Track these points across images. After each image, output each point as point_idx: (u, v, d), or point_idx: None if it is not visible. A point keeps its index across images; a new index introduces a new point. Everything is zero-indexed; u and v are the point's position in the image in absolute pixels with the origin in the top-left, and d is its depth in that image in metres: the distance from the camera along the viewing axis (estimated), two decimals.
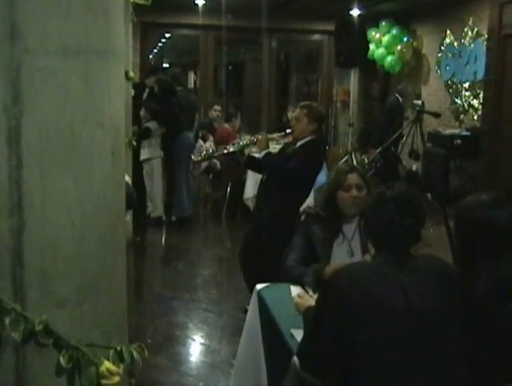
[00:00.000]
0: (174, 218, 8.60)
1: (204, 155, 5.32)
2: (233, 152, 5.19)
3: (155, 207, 8.47)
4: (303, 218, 3.65)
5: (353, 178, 3.50)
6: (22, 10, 1.68)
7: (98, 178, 1.81)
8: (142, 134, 8.14)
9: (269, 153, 4.97)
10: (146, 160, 8.34)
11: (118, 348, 1.78)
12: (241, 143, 5.21)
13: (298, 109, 4.98)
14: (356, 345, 2.16)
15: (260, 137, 5.11)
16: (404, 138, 8.76)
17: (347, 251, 3.43)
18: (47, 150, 1.72)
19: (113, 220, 1.89)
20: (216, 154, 5.42)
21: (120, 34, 1.90)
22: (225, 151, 5.24)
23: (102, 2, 1.80)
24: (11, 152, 1.70)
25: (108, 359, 1.75)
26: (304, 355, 2.42)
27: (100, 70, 1.74)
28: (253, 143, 5.11)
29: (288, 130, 5.06)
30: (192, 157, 5.45)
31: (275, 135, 5.29)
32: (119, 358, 1.79)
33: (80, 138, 1.73)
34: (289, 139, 5.36)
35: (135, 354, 1.82)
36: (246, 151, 5.50)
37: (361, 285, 2.25)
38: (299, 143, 4.89)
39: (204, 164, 9.26)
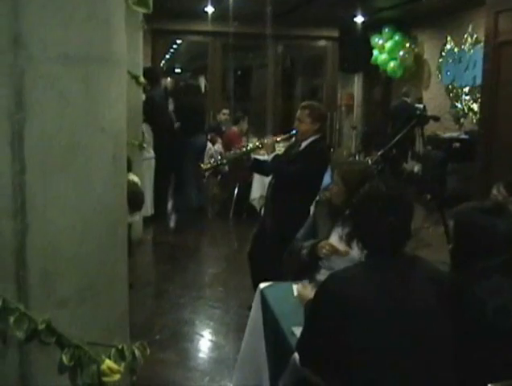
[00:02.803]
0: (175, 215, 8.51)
1: (213, 162, 5.21)
2: (243, 154, 5.09)
3: (145, 207, 8.31)
4: (317, 199, 3.76)
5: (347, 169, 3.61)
6: (25, 19, 1.67)
7: (99, 181, 1.79)
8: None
9: (276, 156, 4.93)
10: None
11: (120, 347, 1.77)
12: (248, 147, 5.14)
13: (299, 110, 4.88)
14: (349, 347, 2.14)
15: (266, 141, 5.04)
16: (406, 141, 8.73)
17: (339, 236, 3.37)
18: (49, 155, 1.71)
19: (113, 223, 1.87)
20: (224, 162, 5.26)
21: (122, 41, 1.89)
22: (232, 155, 5.15)
23: (103, 10, 1.79)
24: (15, 157, 1.69)
25: (109, 358, 1.74)
26: (303, 350, 2.40)
27: (100, 76, 1.73)
28: (260, 147, 5.06)
29: (293, 132, 4.99)
30: (201, 164, 5.30)
31: (280, 138, 5.23)
32: (120, 356, 1.78)
33: (80, 143, 1.72)
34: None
35: (137, 352, 1.80)
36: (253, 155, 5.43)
37: (354, 289, 2.19)
38: (303, 144, 4.81)
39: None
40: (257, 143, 5.07)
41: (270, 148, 4.96)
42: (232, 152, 5.30)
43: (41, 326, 1.70)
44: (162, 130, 8.40)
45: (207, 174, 9.06)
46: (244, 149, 5.07)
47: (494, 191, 4.11)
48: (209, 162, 5.25)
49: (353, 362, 2.13)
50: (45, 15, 1.68)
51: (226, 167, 9.19)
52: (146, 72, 8.82)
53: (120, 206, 1.99)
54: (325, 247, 3.35)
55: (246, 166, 5.22)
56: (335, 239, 3.41)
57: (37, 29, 1.68)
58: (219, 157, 5.43)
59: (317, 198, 4.08)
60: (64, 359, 1.70)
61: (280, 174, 4.82)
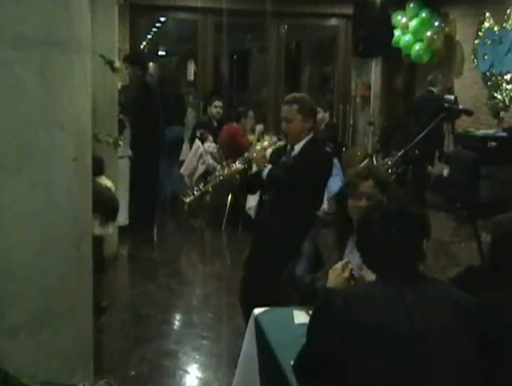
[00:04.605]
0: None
1: (197, 192, 5.03)
2: (231, 176, 4.99)
3: (120, 214, 8.28)
4: (314, 223, 3.73)
5: (366, 185, 3.49)
6: None
7: (59, 186, 1.80)
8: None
9: (271, 170, 4.72)
10: None
11: (81, 385, 1.77)
12: (234, 167, 5.00)
13: (285, 106, 4.76)
14: (354, 371, 2.17)
15: (255, 153, 4.85)
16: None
17: (356, 263, 3.40)
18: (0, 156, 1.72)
19: (77, 235, 1.88)
20: (210, 188, 5.09)
21: (85, 23, 1.89)
22: (219, 175, 5.02)
23: None
24: None
25: None
26: (300, 370, 2.45)
27: (60, 64, 1.73)
28: (249, 162, 4.93)
29: (259, 127, 4.92)
30: (182, 197, 5.12)
31: (268, 143, 5.07)
32: None
33: (36, 141, 1.72)
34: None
35: None
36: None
37: (357, 307, 2.25)
38: (297, 147, 4.73)
39: (202, 168, 9.25)
40: (245, 157, 4.93)
41: (262, 160, 4.77)
42: (217, 173, 5.13)
43: None
44: (151, 123, 8.48)
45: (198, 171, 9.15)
46: (231, 168, 4.97)
47: None
48: (192, 193, 5.05)
49: None
50: None
51: (218, 168, 9.23)
52: (132, 57, 8.93)
53: (84, 216, 2.00)
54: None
55: (236, 189, 5.14)
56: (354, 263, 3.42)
57: None
58: (201, 185, 5.17)
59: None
60: None
61: (284, 188, 4.70)
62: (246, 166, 4.96)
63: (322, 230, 3.71)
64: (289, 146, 4.82)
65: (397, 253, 2.33)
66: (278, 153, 4.92)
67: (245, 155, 4.93)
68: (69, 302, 1.92)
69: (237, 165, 4.95)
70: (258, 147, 4.96)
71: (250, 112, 9.68)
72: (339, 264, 3.22)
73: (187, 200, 4.93)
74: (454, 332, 2.26)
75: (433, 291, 2.35)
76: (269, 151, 4.97)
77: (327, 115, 10.17)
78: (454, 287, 2.46)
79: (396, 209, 2.38)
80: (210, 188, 4.99)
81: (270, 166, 4.73)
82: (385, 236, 2.31)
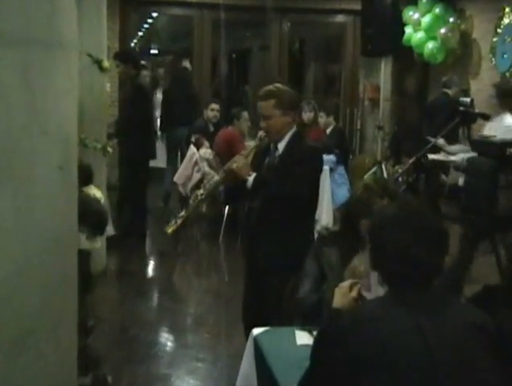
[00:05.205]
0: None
1: (178, 219, 4.93)
2: (212, 189, 4.90)
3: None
4: (315, 241, 3.70)
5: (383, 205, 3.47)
6: None
7: (42, 197, 1.79)
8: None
9: (257, 177, 4.58)
10: None
11: None
12: (214, 180, 4.91)
13: (261, 102, 4.65)
14: None
15: (237, 163, 4.66)
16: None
17: (362, 283, 3.40)
18: None
19: (62, 251, 1.87)
20: (190, 210, 4.98)
21: (70, 19, 1.89)
22: (200, 195, 4.95)
23: None
24: None
25: None
26: None
27: (43, 63, 1.72)
28: (231, 173, 4.80)
29: (261, 133, 4.78)
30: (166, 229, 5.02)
31: (248, 152, 4.94)
32: None
33: (18, 148, 1.72)
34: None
35: None
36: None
37: (365, 331, 2.23)
38: (280, 146, 4.61)
39: (197, 176, 9.25)
40: (226, 167, 4.83)
41: (245, 170, 4.61)
42: (198, 193, 5.02)
43: None
44: (142, 127, 8.52)
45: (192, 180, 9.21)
46: (211, 182, 4.89)
47: None
48: (175, 222, 4.91)
49: None
50: None
51: (215, 177, 9.23)
52: (124, 54, 8.94)
53: (69, 229, 1.99)
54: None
55: (222, 202, 5.06)
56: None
57: None
58: (182, 211, 5.05)
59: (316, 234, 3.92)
60: None
61: (277, 195, 4.63)
62: (225, 175, 4.72)
63: (325, 249, 3.68)
64: (272, 146, 4.71)
65: (422, 269, 2.32)
66: (260, 157, 4.81)
67: (225, 167, 4.79)
68: (52, 323, 1.91)
69: (216, 178, 4.85)
70: (238, 155, 4.80)
71: (245, 114, 9.57)
72: (346, 283, 3.20)
73: (170, 231, 4.79)
74: (476, 360, 2.24)
75: (451, 313, 2.34)
76: (250, 158, 4.84)
77: (331, 119, 10.16)
78: (474, 308, 2.45)
79: (425, 224, 2.35)
80: (191, 209, 4.83)
81: (254, 175, 4.59)
82: (411, 251, 2.29)
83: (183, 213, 4.82)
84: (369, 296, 3.21)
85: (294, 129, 4.67)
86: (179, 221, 4.74)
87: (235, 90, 16.59)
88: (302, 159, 4.56)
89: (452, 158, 8.74)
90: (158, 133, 11.29)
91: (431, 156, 10.10)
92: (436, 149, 8.79)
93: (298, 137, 4.69)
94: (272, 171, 4.61)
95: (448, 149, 9.39)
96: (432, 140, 7.84)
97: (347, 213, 3.72)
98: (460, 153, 8.24)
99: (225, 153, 8.89)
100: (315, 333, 3.25)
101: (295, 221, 4.54)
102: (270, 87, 4.71)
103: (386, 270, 2.40)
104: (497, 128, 7.22)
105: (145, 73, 11.85)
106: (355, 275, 3.38)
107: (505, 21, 10.52)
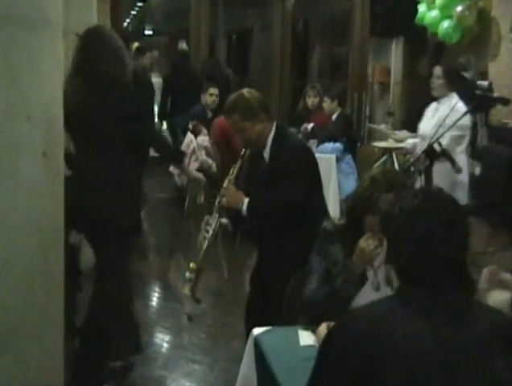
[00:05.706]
0: None
1: (191, 278, 4.88)
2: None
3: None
4: (320, 236, 3.70)
5: (389, 199, 3.46)
6: None
7: (25, 186, 1.78)
8: None
9: (250, 203, 4.60)
10: None
11: None
12: (215, 223, 4.88)
13: (226, 119, 4.71)
14: None
15: (226, 198, 4.65)
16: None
17: (371, 282, 3.40)
18: None
19: (44, 243, 1.86)
20: (202, 266, 4.95)
21: None
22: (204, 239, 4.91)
23: None
24: None
25: None
26: None
27: (26, 44, 1.71)
28: (223, 209, 4.79)
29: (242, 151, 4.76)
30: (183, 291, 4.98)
31: (233, 176, 4.88)
32: None
33: (0, 134, 1.72)
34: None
35: None
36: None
37: (380, 332, 2.22)
38: (265, 152, 4.62)
39: (195, 165, 9.25)
40: (217, 205, 4.83)
41: (236, 201, 4.64)
42: (201, 237, 4.98)
43: None
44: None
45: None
46: (213, 229, 4.86)
47: None
48: (189, 279, 4.85)
49: None
50: None
51: (214, 166, 9.25)
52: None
53: (54, 220, 1.99)
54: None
55: (232, 231, 5.08)
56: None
57: None
58: (193, 265, 4.98)
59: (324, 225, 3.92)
60: None
61: (278, 207, 4.57)
62: (219, 214, 4.74)
63: (330, 247, 3.68)
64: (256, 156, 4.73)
65: (444, 265, 2.30)
66: (248, 169, 4.82)
67: (218, 205, 4.74)
68: (36, 322, 1.91)
69: (217, 221, 4.81)
70: (225, 187, 4.74)
71: None
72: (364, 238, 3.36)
73: (188, 291, 4.74)
74: (494, 364, 2.24)
75: (470, 313, 2.33)
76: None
77: (335, 104, 10.12)
78: (496, 309, 2.44)
79: (450, 217, 2.34)
80: (202, 261, 4.76)
81: (246, 200, 4.61)
82: (425, 242, 2.28)
83: (193, 265, 4.76)
84: (377, 295, 3.21)
85: (273, 130, 4.63)
86: (193, 277, 4.70)
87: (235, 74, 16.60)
88: (286, 162, 4.53)
89: (401, 144, 8.99)
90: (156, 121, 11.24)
91: (379, 144, 10.41)
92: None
93: (279, 139, 4.65)
94: (263, 186, 4.64)
95: (395, 137, 9.62)
96: (374, 126, 7.99)
97: (351, 208, 3.72)
98: (409, 140, 8.52)
99: (220, 146, 8.90)
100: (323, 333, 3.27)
101: (298, 223, 4.55)
102: (230, 99, 4.67)
103: (403, 265, 2.39)
104: None
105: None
106: (364, 256, 3.40)
107: None
